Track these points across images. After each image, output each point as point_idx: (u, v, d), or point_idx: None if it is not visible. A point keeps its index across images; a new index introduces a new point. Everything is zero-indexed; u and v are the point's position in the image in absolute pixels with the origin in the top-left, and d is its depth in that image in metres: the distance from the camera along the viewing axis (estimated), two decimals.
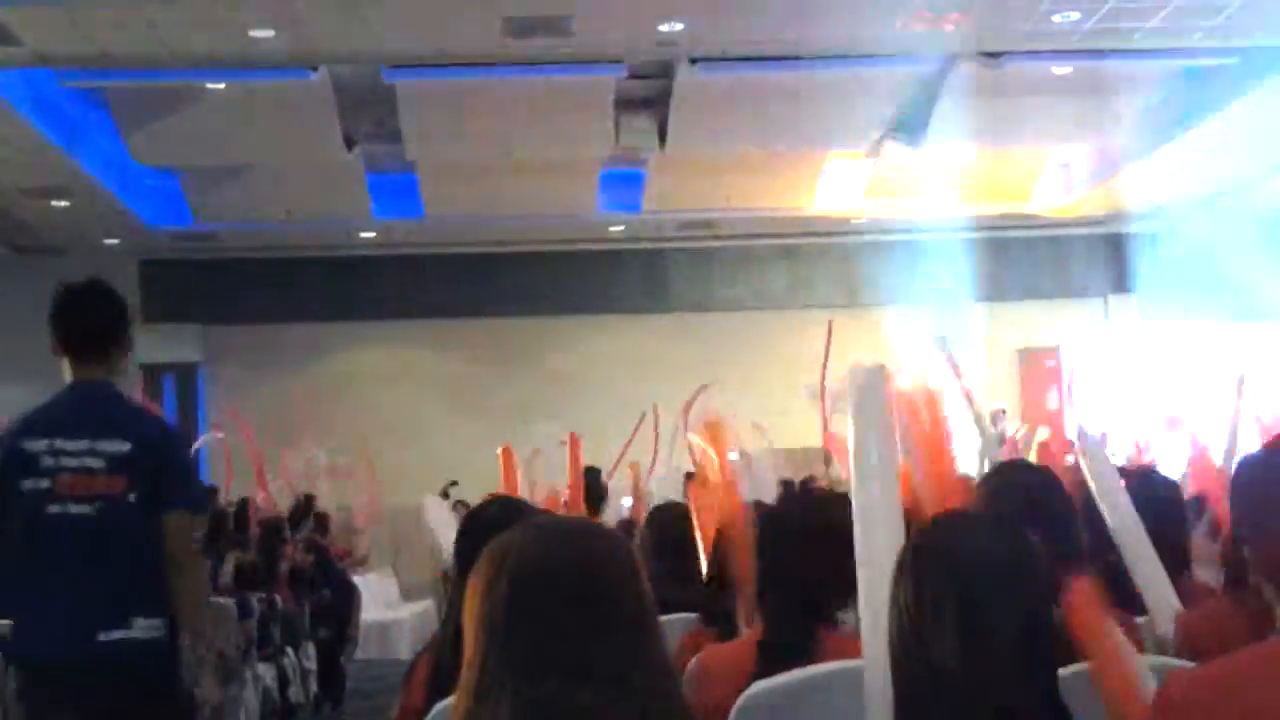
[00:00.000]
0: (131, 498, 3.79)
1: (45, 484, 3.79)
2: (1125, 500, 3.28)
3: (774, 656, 2.73)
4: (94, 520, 3.77)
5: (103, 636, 3.73)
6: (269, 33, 9.36)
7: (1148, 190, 14.43)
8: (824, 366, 7.89)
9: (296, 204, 13.70)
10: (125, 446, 3.82)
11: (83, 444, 3.82)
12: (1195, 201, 15.05)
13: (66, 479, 3.79)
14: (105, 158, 12.18)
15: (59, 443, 3.82)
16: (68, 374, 4.01)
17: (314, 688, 10.30)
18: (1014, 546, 2.06)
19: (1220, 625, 2.82)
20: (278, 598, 9.55)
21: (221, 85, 10.58)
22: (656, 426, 11.12)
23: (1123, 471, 3.78)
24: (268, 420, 13.04)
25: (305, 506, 11.59)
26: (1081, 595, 2.19)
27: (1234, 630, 2.76)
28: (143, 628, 3.77)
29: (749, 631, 3.10)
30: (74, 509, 3.78)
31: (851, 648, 2.42)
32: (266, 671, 9.44)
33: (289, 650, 9.85)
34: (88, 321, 4.09)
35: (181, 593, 3.84)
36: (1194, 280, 16.14)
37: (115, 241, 14.90)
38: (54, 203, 13.14)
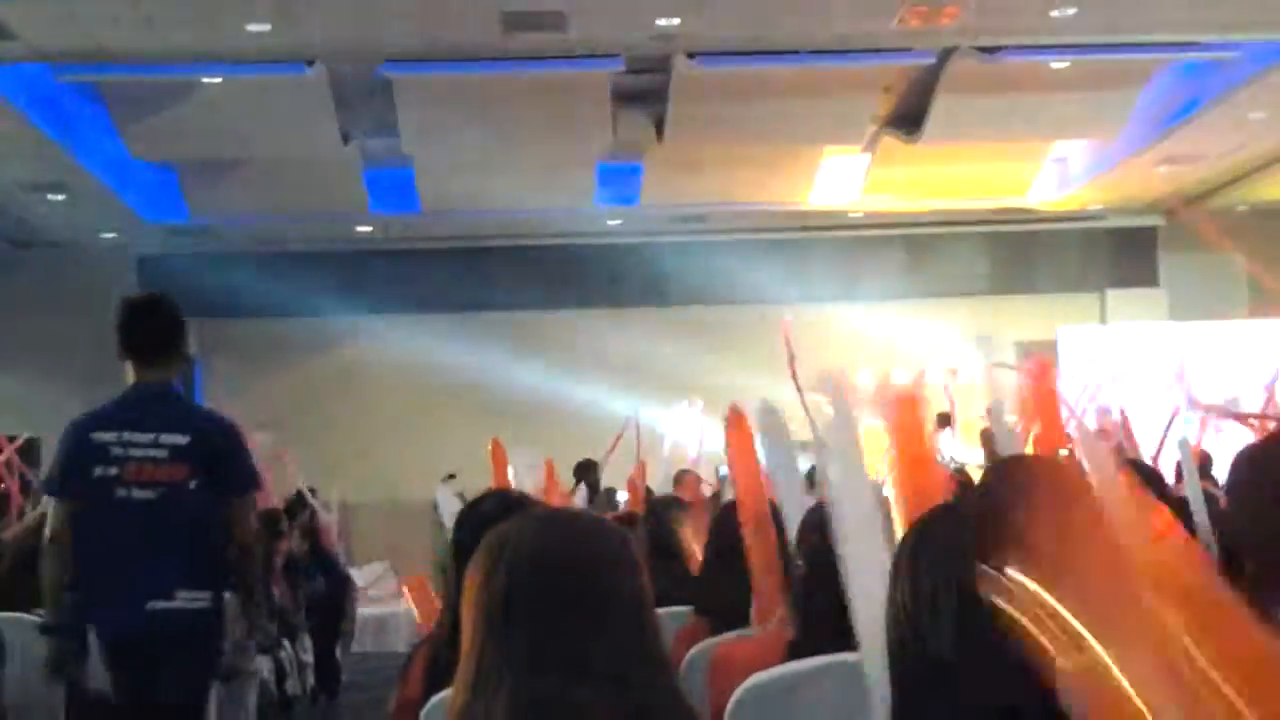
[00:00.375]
0: (192, 484, 4.38)
1: (114, 471, 4.36)
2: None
3: (807, 656, 2.72)
4: (154, 503, 4.34)
5: (150, 606, 4.30)
6: (265, 26, 9.34)
7: (1145, 185, 14.44)
8: (791, 364, 7.84)
9: (293, 198, 13.68)
10: (185, 439, 4.40)
11: (149, 436, 4.39)
12: (1193, 195, 15.07)
13: (133, 466, 4.36)
14: (102, 152, 12.16)
15: (127, 435, 4.39)
16: (130, 376, 4.60)
17: (311, 680, 10.30)
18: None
19: None
20: (274, 590, 9.55)
21: (218, 79, 10.56)
22: (639, 434, 11.06)
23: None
24: (264, 415, 13.01)
25: (302, 498, 11.58)
26: None
27: None
28: (185, 599, 4.33)
29: (773, 629, 3.09)
30: (137, 493, 4.35)
31: None
32: (263, 664, 9.44)
33: (285, 643, 9.85)
34: (149, 331, 4.62)
35: (242, 564, 4.52)
36: (1193, 275, 16.18)
37: (112, 236, 14.90)
38: (50, 197, 13.13)
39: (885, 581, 2.14)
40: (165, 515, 4.34)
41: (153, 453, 4.37)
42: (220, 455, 4.46)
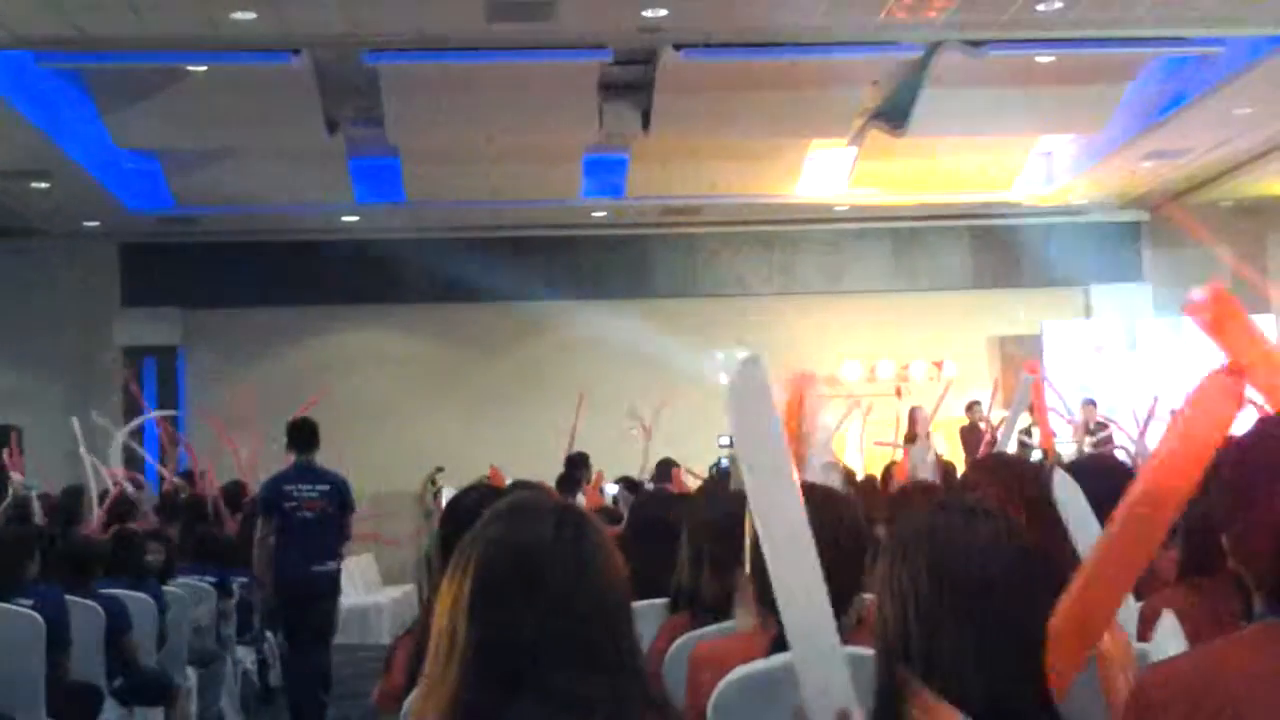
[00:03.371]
0: (330, 510, 8.49)
1: (295, 504, 8.40)
2: (1078, 495, 3.21)
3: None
4: (315, 520, 8.41)
5: (313, 569, 8.42)
6: (250, 15, 9.31)
7: (1131, 180, 14.48)
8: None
9: (278, 188, 13.64)
10: (326, 487, 8.51)
11: (310, 486, 8.47)
12: (1178, 190, 15.11)
13: (305, 501, 8.41)
14: (86, 140, 12.11)
15: (300, 485, 8.45)
16: (292, 456, 8.61)
17: None
18: (1015, 535, 2.06)
19: (1180, 614, 2.82)
20: (258, 581, 9.51)
21: (203, 68, 10.52)
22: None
23: (1081, 462, 3.73)
24: (247, 403, 12.99)
25: (239, 486, 11.54)
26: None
27: (1195, 619, 2.76)
28: (329, 565, 8.55)
29: (754, 626, 3.07)
30: (308, 515, 8.41)
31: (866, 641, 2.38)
32: (246, 655, 9.43)
33: (269, 635, 9.83)
34: (302, 437, 8.59)
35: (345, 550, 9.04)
36: (1178, 270, 16.22)
37: (96, 224, 14.85)
38: (34, 185, 13.08)
39: (816, 580, 2.12)
40: (319, 525, 8.42)
41: (313, 494, 8.44)
42: (340, 495, 8.56)
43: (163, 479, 11.39)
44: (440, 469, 14.64)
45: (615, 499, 10.08)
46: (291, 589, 8.47)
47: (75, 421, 9.96)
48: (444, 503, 7.39)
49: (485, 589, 1.82)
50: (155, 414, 12.81)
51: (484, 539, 1.87)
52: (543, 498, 2.00)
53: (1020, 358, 13.68)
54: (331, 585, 8.67)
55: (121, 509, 8.94)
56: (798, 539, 2.15)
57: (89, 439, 9.96)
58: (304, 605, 8.54)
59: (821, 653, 2.13)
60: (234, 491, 10.73)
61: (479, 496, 3.06)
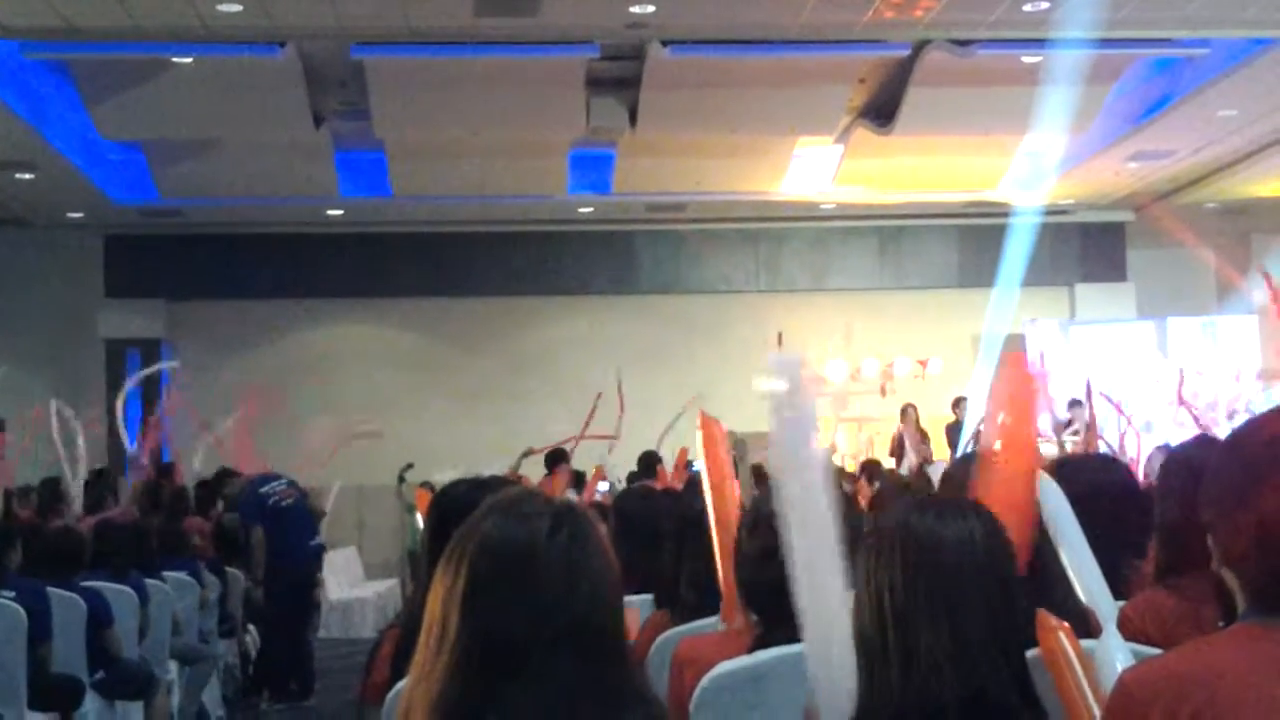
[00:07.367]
0: (298, 494, 9.78)
1: (276, 497, 9.54)
2: (1060, 497, 3.22)
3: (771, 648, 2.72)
4: (295, 504, 9.68)
5: (310, 544, 9.79)
6: (237, 7, 9.29)
7: (1115, 180, 14.51)
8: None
9: (264, 180, 13.60)
10: (285, 478, 9.83)
11: (274, 482, 9.70)
12: (1162, 191, 15.14)
13: (281, 491, 9.63)
14: (70, 131, 12.07)
15: (269, 485, 9.65)
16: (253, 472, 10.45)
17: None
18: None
19: (1159, 615, 2.84)
20: (240, 574, 9.51)
21: (189, 60, 10.49)
22: (622, 406, 11.17)
23: (1077, 458, 3.74)
24: (232, 397, 12.96)
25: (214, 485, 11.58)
26: (1047, 631, 2.22)
27: (1174, 620, 2.78)
28: (318, 539, 10.03)
29: (738, 626, 3.07)
30: (288, 501, 9.60)
31: None
32: (229, 649, 9.40)
33: (251, 629, 9.81)
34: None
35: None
36: (1162, 270, 16.28)
37: (80, 215, 14.80)
38: (18, 175, 13.02)
39: (838, 578, 2.15)
40: (298, 508, 9.75)
41: (283, 485, 9.70)
42: (296, 483, 9.95)
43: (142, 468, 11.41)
44: (410, 465, 14.62)
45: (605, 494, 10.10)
46: (294, 570, 9.60)
47: (53, 403, 10.04)
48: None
49: (478, 583, 1.82)
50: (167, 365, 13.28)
51: (480, 533, 1.87)
52: (540, 495, 2.00)
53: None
54: (320, 556, 10.21)
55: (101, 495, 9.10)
56: (824, 541, 2.16)
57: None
58: (303, 584, 9.79)
59: (839, 656, 2.13)
60: (219, 481, 10.83)
61: (467, 489, 3.06)
